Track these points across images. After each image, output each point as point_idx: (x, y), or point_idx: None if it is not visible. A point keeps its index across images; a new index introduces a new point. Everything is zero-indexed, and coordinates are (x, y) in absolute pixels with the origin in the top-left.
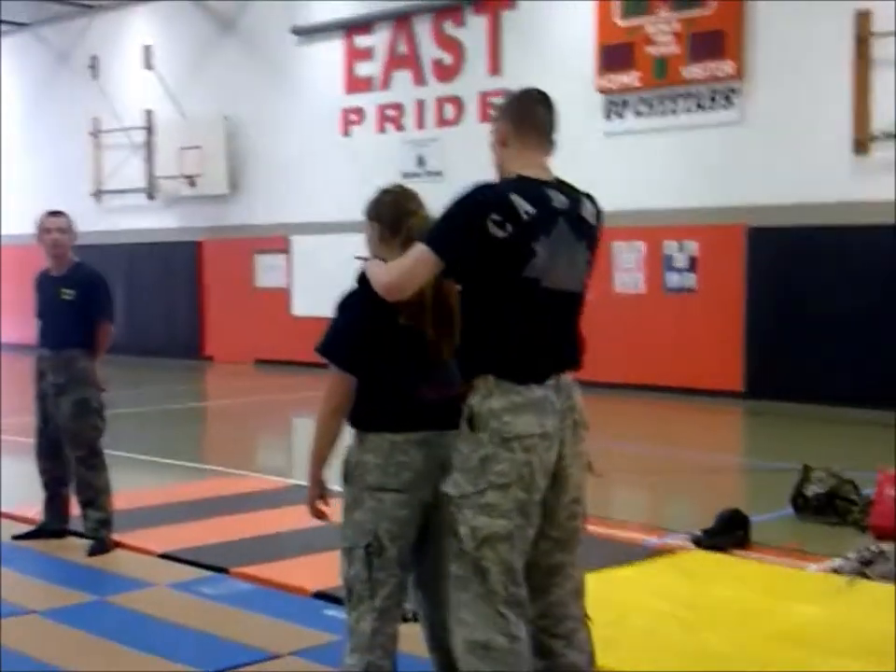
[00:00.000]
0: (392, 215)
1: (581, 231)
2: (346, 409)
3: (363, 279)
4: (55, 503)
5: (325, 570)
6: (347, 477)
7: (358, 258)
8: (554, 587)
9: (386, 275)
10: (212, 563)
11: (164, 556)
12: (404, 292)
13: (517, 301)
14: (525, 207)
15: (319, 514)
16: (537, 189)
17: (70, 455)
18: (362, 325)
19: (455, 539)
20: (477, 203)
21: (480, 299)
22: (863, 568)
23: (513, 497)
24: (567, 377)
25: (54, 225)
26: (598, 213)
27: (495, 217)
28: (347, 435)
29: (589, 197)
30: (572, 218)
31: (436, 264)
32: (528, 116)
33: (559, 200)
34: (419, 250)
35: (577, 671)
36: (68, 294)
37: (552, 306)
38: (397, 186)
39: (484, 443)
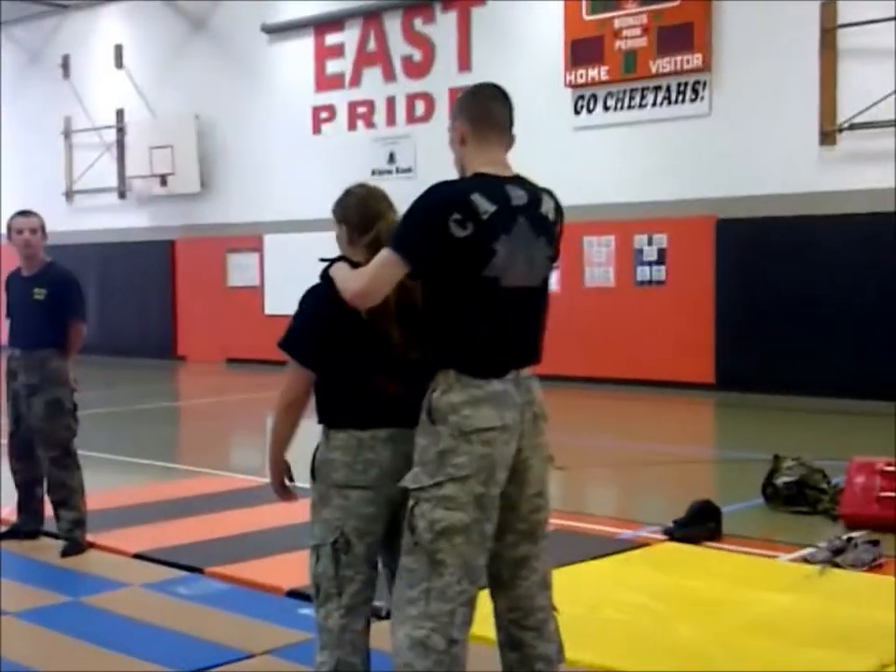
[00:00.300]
0: (359, 217)
1: (541, 228)
2: (304, 404)
3: (326, 276)
4: (28, 504)
5: (298, 569)
6: (315, 474)
7: (323, 260)
8: (521, 580)
9: (354, 283)
10: (186, 563)
11: (138, 556)
12: (373, 300)
13: (477, 300)
14: (484, 206)
15: (286, 494)
16: (496, 186)
17: (43, 456)
18: (324, 321)
19: (411, 533)
20: (438, 203)
21: (441, 296)
22: (834, 557)
23: (471, 490)
24: (527, 371)
25: (26, 225)
26: (558, 208)
27: (456, 216)
28: (316, 433)
29: (549, 192)
30: (531, 215)
31: (402, 269)
32: (485, 112)
33: (518, 196)
34: (384, 256)
35: (548, 661)
36: (40, 294)
37: (511, 303)
38: (361, 186)
39: (443, 437)
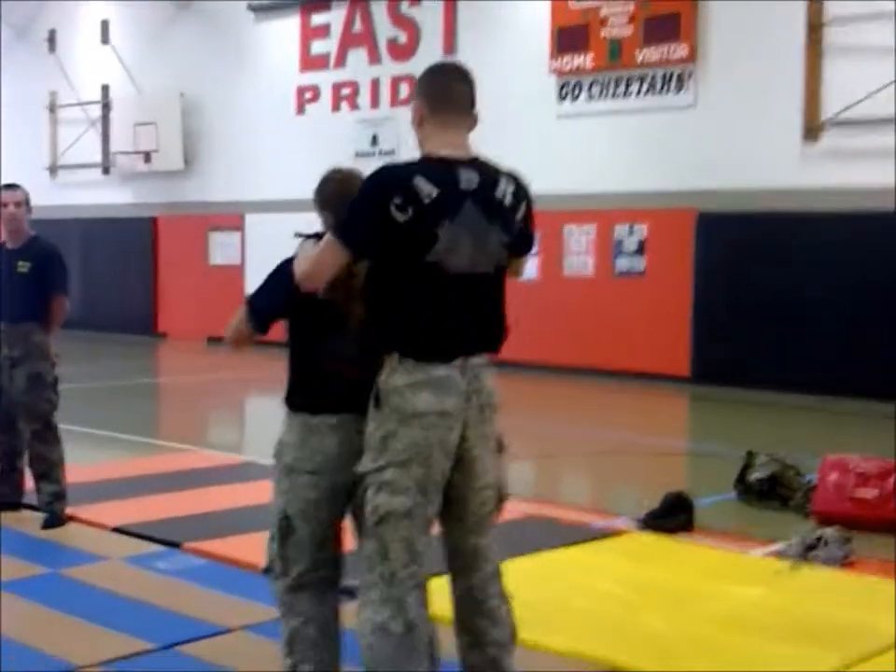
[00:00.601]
0: (340, 202)
1: (494, 213)
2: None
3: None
4: (9, 476)
5: None
6: (275, 456)
7: (298, 235)
8: (474, 570)
9: (300, 266)
10: (165, 537)
11: (118, 530)
12: (315, 283)
13: (420, 284)
14: (427, 189)
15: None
16: (445, 170)
17: (25, 429)
18: (285, 292)
19: (364, 518)
20: (379, 187)
21: (385, 280)
22: (806, 553)
23: (412, 474)
24: (478, 359)
25: (11, 199)
26: (518, 192)
27: (396, 200)
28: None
29: (510, 176)
30: (482, 199)
31: (344, 254)
32: (444, 93)
33: (469, 180)
34: (327, 241)
35: (500, 646)
36: (24, 267)
37: (456, 289)
38: (338, 171)
39: (386, 420)
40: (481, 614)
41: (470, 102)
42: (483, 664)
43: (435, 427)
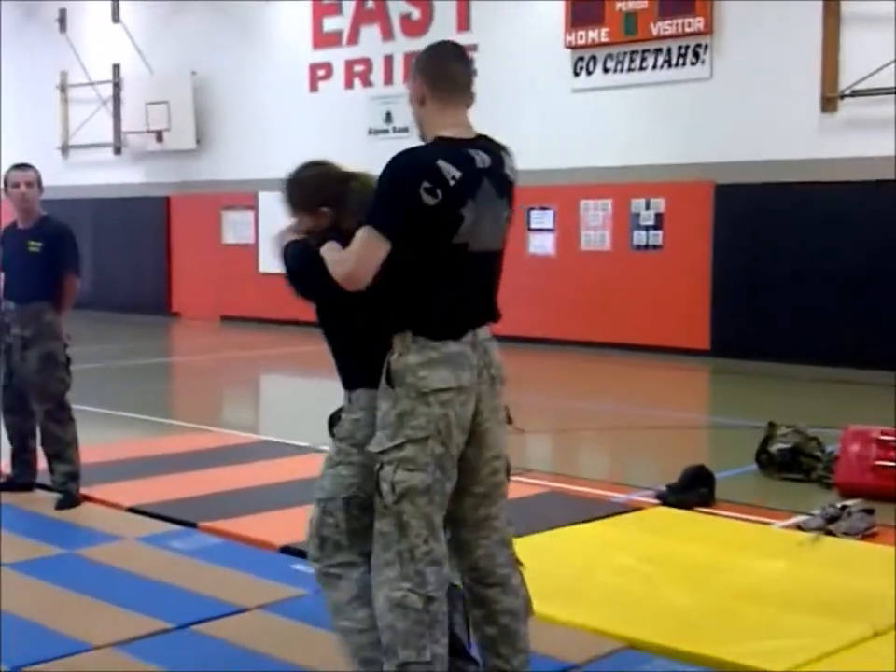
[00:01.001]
0: (324, 194)
1: (502, 188)
2: None
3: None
4: (22, 457)
5: (292, 525)
6: (335, 431)
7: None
8: (481, 540)
9: (342, 267)
10: (180, 517)
11: (133, 510)
12: (363, 281)
13: (443, 265)
14: (451, 172)
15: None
16: (460, 150)
17: (38, 409)
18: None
19: (379, 496)
20: (408, 171)
21: (405, 262)
22: (828, 525)
23: (431, 450)
24: (485, 334)
25: (22, 179)
26: (514, 167)
27: (426, 184)
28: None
29: (507, 151)
30: (494, 176)
31: (385, 245)
32: (444, 72)
33: (482, 159)
34: (366, 236)
35: (513, 615)
36: (35, 246)
37: (476, 267)
38: (303, 169)
39: (401, 398)
40: (490, 583)
41: (469, 80)
42: (496, 635)
43: (452, 403)
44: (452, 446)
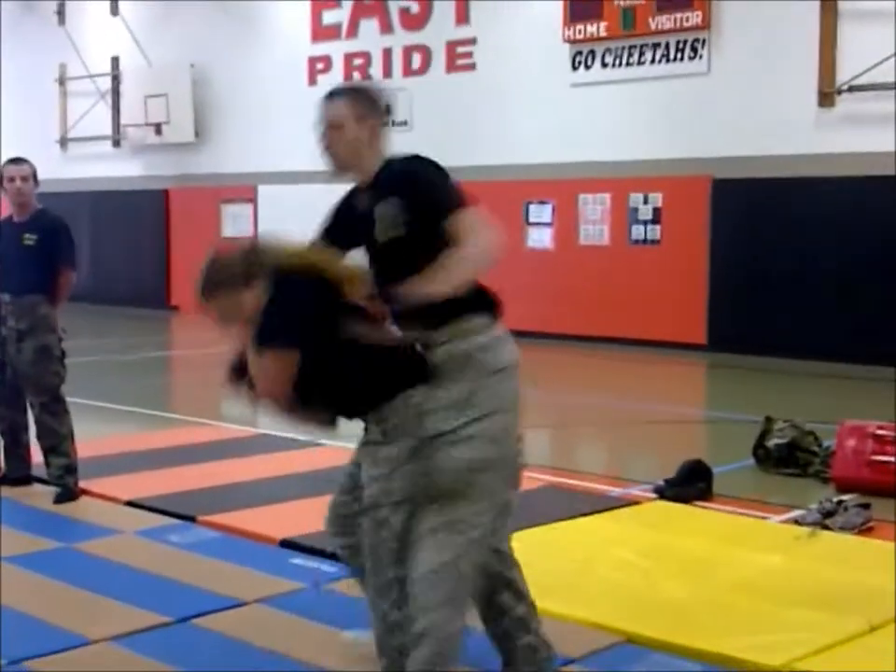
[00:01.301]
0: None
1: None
2: None
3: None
4: (16, 451)
5: (291, 519)
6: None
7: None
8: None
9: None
10: (179, 511)
11: (131, 504)
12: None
13: None
14: None
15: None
16: None
17: (33, 402)
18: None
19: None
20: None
21: None
22: (824, 520)
23: (505, 423)
24: None
25: (17, 173)
26: None
27: None
28: None
29: None
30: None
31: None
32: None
33: None
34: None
35: (524, 625)
36: (30, 239)
37: None
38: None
39: (469, 378)
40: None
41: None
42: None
43: (515, 378)
44: (518, 419)
